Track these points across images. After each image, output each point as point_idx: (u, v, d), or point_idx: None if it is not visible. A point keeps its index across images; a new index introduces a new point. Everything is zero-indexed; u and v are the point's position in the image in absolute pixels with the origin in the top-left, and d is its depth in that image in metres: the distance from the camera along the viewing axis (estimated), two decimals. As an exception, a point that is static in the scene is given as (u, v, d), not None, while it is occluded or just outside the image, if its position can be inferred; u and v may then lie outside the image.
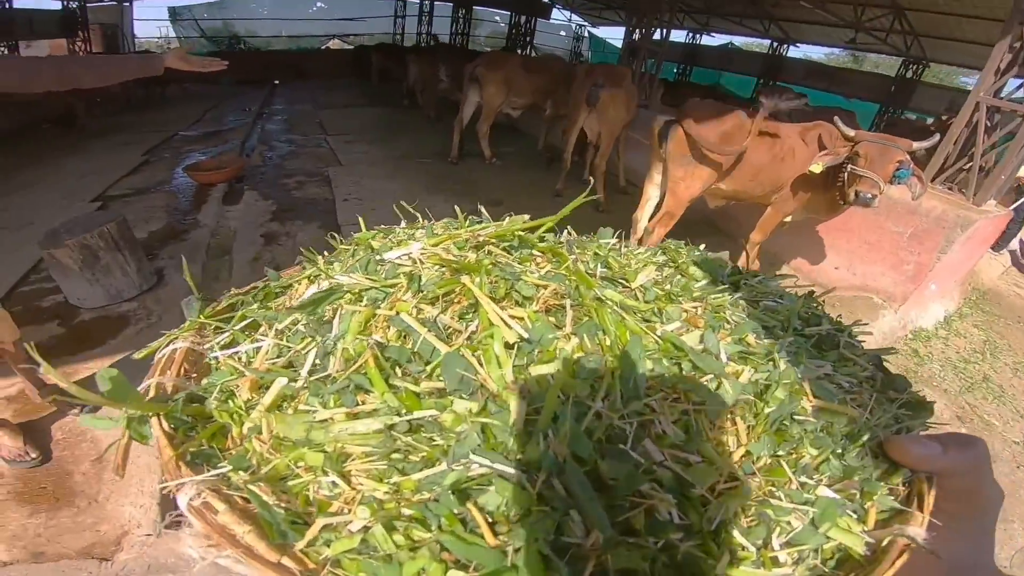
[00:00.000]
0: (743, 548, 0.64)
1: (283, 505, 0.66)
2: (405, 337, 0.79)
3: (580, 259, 0.99)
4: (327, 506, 0.65)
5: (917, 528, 0.66)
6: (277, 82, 19.75)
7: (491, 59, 9.22)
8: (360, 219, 1.36)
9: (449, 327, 0.81)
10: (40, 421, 3.49)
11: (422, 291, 0.87)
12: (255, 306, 1.01)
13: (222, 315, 1.01)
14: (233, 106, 14.97)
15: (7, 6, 12.82)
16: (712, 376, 0.78)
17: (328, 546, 0.60)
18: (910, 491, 0.74)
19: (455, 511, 0.62)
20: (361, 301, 0.87)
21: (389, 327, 0.81)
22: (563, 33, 28.19)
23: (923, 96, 15.07)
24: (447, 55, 13.22)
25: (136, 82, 11.11)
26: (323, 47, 24.12)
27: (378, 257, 0.95)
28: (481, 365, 0.73)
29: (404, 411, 0.70)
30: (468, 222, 1.13)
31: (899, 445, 0.75)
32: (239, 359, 0.88)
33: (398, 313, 0.80)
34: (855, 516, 0.71)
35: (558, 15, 25.58)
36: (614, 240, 1.23)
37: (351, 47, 22.73)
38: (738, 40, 21.20)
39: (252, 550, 0.60)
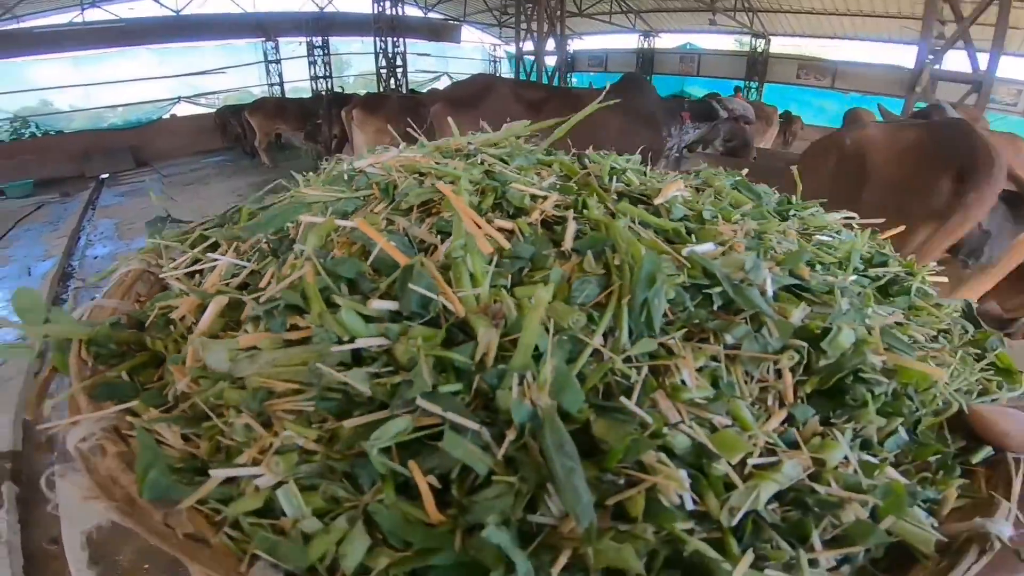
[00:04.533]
0: (773, 545, 0.48)
1: (190, 452, 0.53)
2: (366, 255, 0.63)
3: (593, 172, 0.82)
4: (237, 454, 0.50)
5: (1002, 522, 0.51)
6: (105, 176, 13.70)
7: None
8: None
9: (424, 242, 0.65)
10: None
11: (395, 201, 0.71)
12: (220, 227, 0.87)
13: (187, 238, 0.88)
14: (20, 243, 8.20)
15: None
16: (753, 313, 0.60)
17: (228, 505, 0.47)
18: (994, 474, 0.59)
19: (395, 471, 0.47)
20: (326, 214, 0.71)
21: (354, 244, 0.66)
22: (477, 57, 23.72)
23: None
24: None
25: None
26: (166, 115, 16.86)
27: (351, 167, 0.81)
28: (451, 284, 0.56)
29: (345, 339, 0.53)
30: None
31: (984, 417, 0.62)
32: (194, 281, 0.75)
33: (347, 227, 0.64)
34: (925, 506, 0.55)
35: (469, 35, 21.50)
36: (636, 156, 1.03)
37: (212, 109, 16.48)
38: (612, 38, 19.71)
39: (135, 504, 0.48)
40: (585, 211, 0.67)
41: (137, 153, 15.08)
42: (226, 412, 0.54)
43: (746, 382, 0.57)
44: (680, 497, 0.45)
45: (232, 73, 17.86)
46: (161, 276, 0.77)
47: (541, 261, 0.60)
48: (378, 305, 0.54)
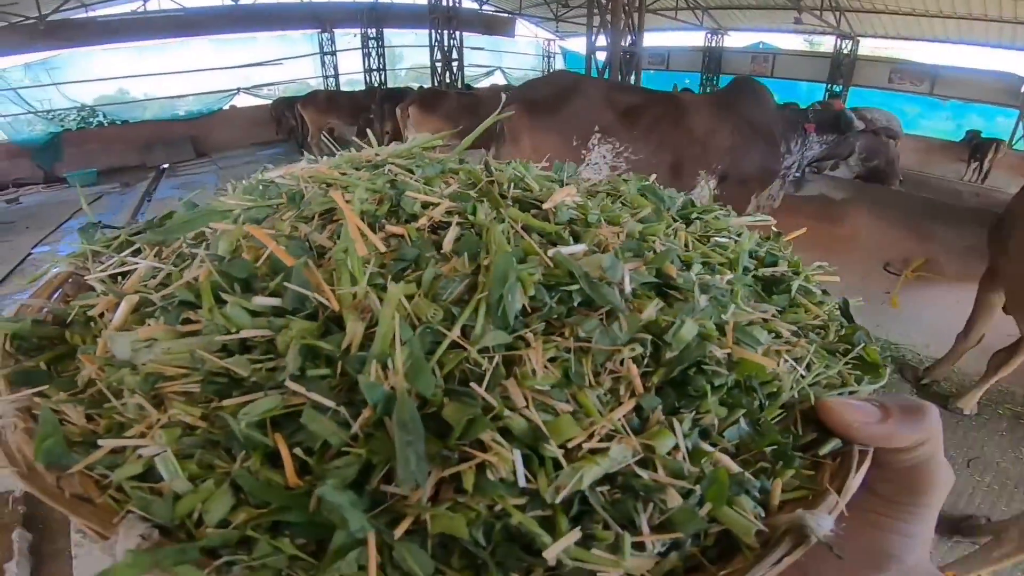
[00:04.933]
0: (603, 526, 0.54)
1: (91, 429, 0.60)
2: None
3: (497, 179, 0.87)
4: (128, 429, 0.58)
5: (822, 515, 0.53)
6: (165, 166, 14.29)
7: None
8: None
9: (322, 247, 0.71)
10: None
11: (301, 210, 0.78)
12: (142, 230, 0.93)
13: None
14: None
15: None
16: (609, 309, 0.66)
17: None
18: (839, 469, 0.62)
19: (265, 443, 0.54)
20: (237, 222, 0.78)
21: (260, 248, 0.71)
22: (531, 52, 23.34)
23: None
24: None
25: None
26: (226, 107, 17.44)
27: (263, 177, 0.88)
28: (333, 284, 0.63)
29: (233, 330, 0.61)
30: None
31: (831, 407, 0.64)
32: (116, 283, 0.80)
33: (249, 230, 0.71)
34: (758, 498, 0.59)
35: (523, 30, 21.11)
36: (544, 163, 1.09)
37: (268, 101, 17.07)
38: (674, 35, 19.05)
39: (34, 470, 0.54)
40: (472, 216, 0.73)
41: (197, 144, 15.51)
42: (126, 395, 0.60)
43: (597, 374, 0.63)
44: (514, 474, 0.51)
45: (288, 64, 18.15)
46: (86, 280, 0.82)
47: (423, 263, 0.67)
48: (260, 301, 0.61)
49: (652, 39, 20.04)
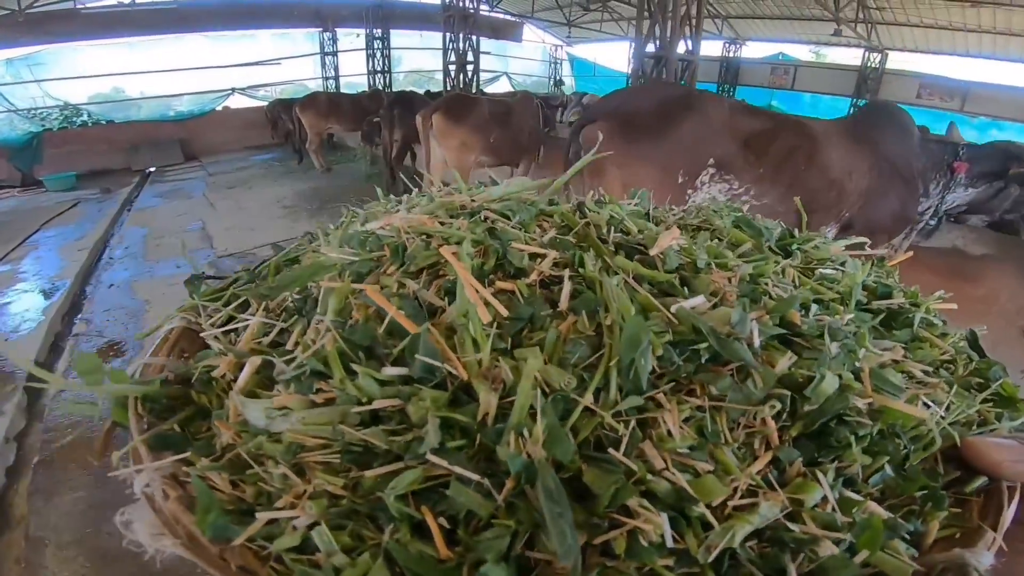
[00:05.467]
0: None
1: (237, 495, 0.61)
2: (381, 317, 0.70)
3: (594, 221, 0.86)
4: (276, 499, 0.59)
5: (982, 552, 0.54)
6: (151, 170, 13.06)
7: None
8: (378, 189, 1.27)
9: (432, 304, 0.71)
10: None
11: (405, 264, 0.77)
12: (250, 284, 0.96)
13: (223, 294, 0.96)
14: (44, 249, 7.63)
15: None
16: (740, 364, 0.64)
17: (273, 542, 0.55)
18: (986, 504, 0.61)
19: (410, 514, 0.54)
20: (342, 276, 0.78)
21: (370, 306, 0.72)
22: (537, 57, 21.92)
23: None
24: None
25: None
26: (219, 107, 15.98)
27: (363, 228, 0.86)
28: (456, 349, 0.63)
29: (364, 400, 0.61)
30: (470, 188, 1.02)
31: (977, 447, 0.63)
32: (230, 339, 0.83)
33: (363, 290, 0.72)
34: (908, 539, 0.58)
35: (530, 35, 19.76)
36: (636, 200, 1.07)
37: (263, 103, 15.56)
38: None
39: (196, 540, 0.56)
40: (581, 269, 0.72)
41: (186, 146, 14.22)
42: (266, 461, 0.61)
43: (732, 429, 0.61)
44: (662, 536, 0.50)
45: (287, 65, 16.91)
46: (201, 336, 0.85)
47: (539, 321, 0.66)
48: (390, 371, 0.62)
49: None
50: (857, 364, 0.70)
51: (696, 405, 0.61)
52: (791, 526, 0.55)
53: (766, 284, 0.80)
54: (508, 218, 0.84)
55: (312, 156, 11.61)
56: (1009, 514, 0.58)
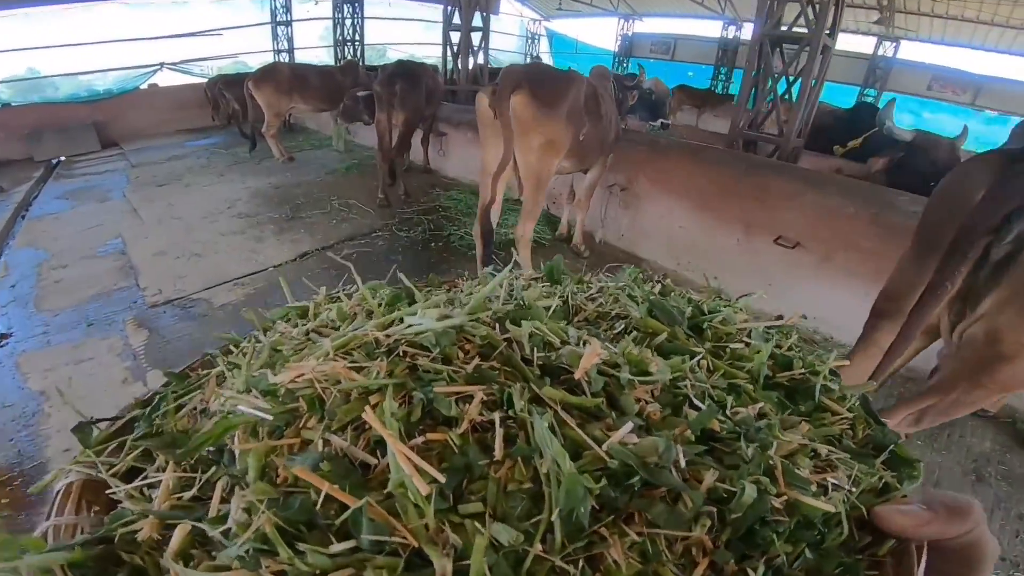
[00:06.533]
0: None
1: None
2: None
3: (515, 337, 0.88)
4: None
5: None
6: (60, 159, 11.03)
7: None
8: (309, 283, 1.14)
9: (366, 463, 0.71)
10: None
11: (325, 419, 0.75)
12: (147, 430, 0.90)
13: (119, 436, 0.90)
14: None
15: None
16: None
17: None
18: (900, 561, 0.69)
19: None
20: (257, 435, 0.76)
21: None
22: (515, 32, 20.73)
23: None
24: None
25: None
26: (143, 85, 13.57)
27: (271, 379, 0.82)
28: (398, 513, 0.64)
29: (317, 573, 0.61)
30: (380, 305, 1.02)
31: (884, 517, 0.71)
32: (143, 492, 0.78)
33: (282, 465, 0.71)
34: None
35: (507, 6, 18.10)
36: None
37: (201, 79, 13.61)
38: (681, 22, 17.18)
39: None
40: (511, 411, 0.75)
41: (103, 131, 11.98)
42: None
43: (671, 544, 0.67)
44: None
45: (230, 36, 14.67)
46: (108, 493, 0.80)
47: (477, 470, 0.69)
48: (338, 548, 0.62)
49: (659, 25, 19.13)
50: (771, 462, 0.76)
51: (637, 532, 0.66)
52: None
53: (685, 388, 0.86)
54: (428, 349, 0.84)
55: (271, 142, 9.68)
56: (920, 571, 0.65)
